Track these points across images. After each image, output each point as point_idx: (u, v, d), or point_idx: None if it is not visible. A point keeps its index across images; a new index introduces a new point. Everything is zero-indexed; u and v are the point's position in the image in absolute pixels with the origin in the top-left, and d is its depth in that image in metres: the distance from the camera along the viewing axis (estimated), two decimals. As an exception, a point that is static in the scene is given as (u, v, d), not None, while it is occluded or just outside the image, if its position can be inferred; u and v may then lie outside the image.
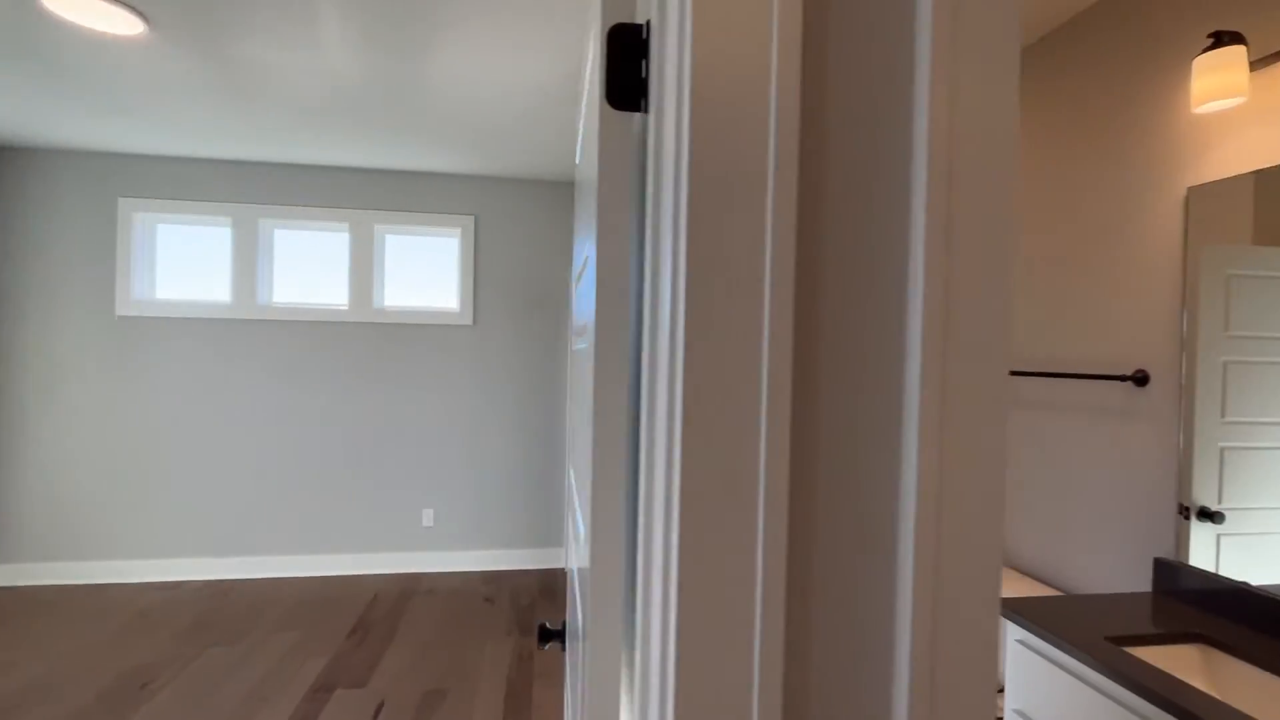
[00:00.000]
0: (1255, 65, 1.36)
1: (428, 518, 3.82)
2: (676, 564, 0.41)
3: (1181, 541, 1.54)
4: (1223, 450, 1.49)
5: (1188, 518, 1.54)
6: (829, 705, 0.45)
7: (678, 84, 0.42)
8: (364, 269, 3.76)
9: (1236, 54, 1.33)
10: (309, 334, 3.71)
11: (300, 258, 3.81)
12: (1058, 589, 1.91)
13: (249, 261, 3.65)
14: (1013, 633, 1.47)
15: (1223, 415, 1.48)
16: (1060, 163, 1.95)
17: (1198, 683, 1.32)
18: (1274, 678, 1.22)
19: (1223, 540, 1.49)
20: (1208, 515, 1.52)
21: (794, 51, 0.41)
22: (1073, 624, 1.38)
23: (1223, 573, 1.44)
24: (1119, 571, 1.71)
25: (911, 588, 0.44)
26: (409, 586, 3.56)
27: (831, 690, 0.46)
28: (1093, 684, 1.25)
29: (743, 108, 0.42)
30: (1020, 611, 1.44)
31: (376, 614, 3.19)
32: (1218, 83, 1.35)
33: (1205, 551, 1.49)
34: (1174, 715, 1.06)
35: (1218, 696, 1.30)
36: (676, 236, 0.42)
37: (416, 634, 2.98)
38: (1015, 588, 1.92)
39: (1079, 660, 1.26)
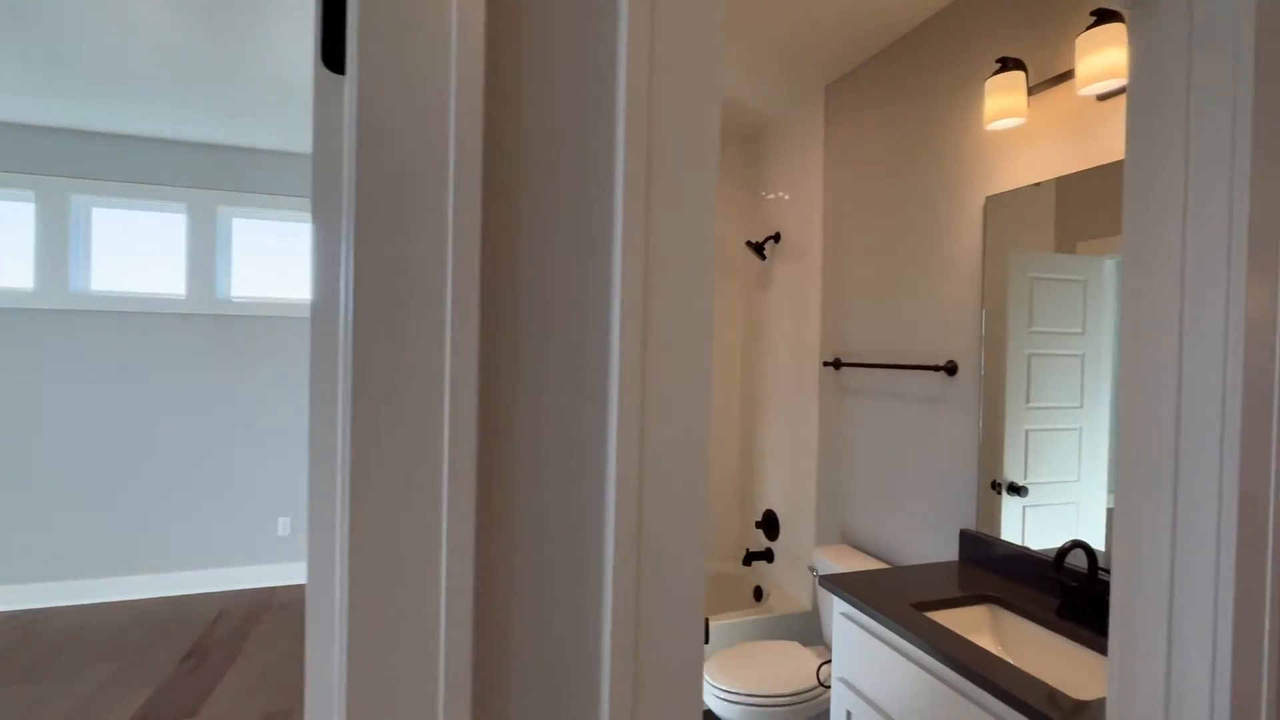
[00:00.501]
0: (1033, 90, 1.54)
1: (283, 526, 3.53)
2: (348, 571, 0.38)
3: (994, 514, 1.72)
4: (1027, 432, 1.67)
5: (999, 493, 1.72)
6: (528, 695, 0.44)
7: (358, 40, 0.39)
8: (204, 255, 3.40)
9: (1017, 79, 1.50)
10: (138, 326, 3.30)
11: (128, 241, 3.37)
12: (888, 562, 2.08)
13: (57, 242, 3.18)
14: (838, 606, 1.58)
15: (1027, 401, 1.66)
16: (885, 175, 2.12)
17: (986, 638, 1.49)
18: (1043, 629, 1.39)
19: (1027, 511, 1.67)
20: (1015, 490, 1.70)
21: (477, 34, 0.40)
22: (887, 594, 1.50)
23: (1027, 539, 1.62)
24: (938, 543, 1.88)
25: (612, 578, 0.44)
26: (260, 602, 3.27)
27: (530, 685, 0.45)
28: (899, 648, 1.37)
29: (419, 77, 0.40)
30: (842, 585, 1.55)
31: (218, 635, 2.90)
32: (1003, 104, 1.51)
33: (1014, 522, 1.68)
34: (958, 669, 1.18)
35: (1000, 648, 1.47)
36: (347, 215, 0.39)
37: (264, 653, 2.74)
38: (852, 562, 2.07)
39: (887, 627, 1.37)
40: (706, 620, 1.11)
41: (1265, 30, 0.67)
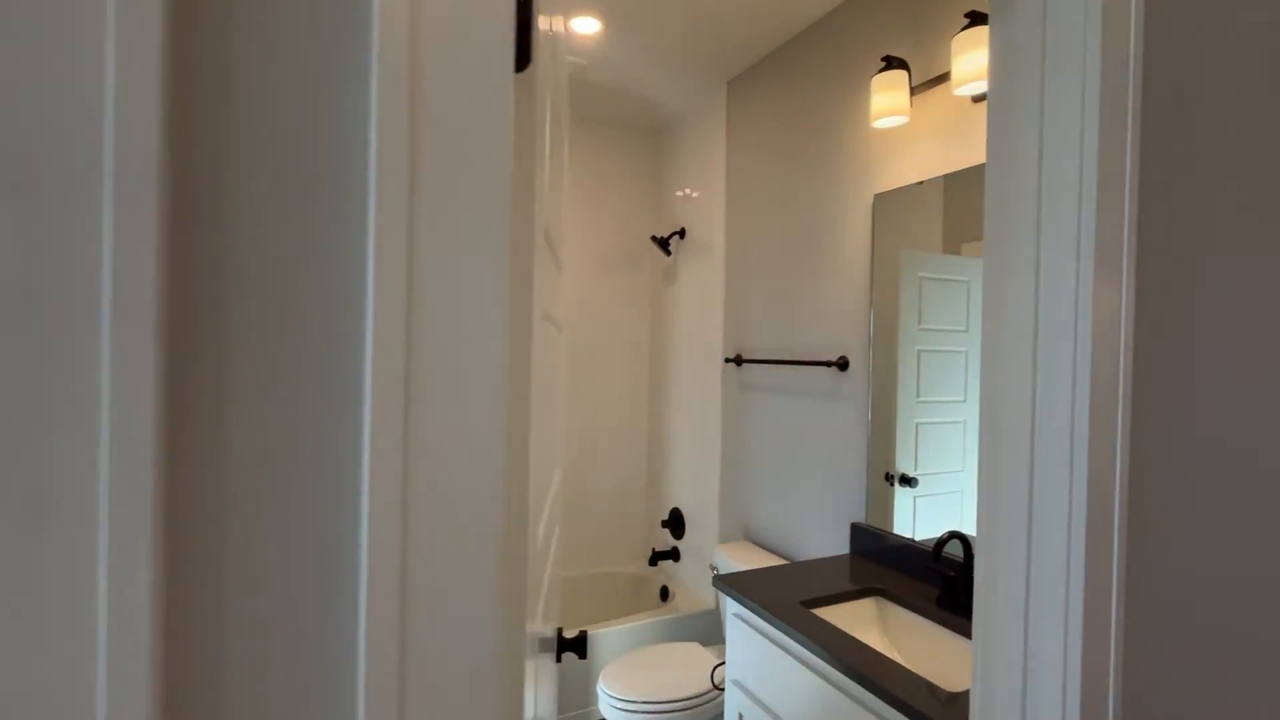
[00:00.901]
0: (915, 89, 1.56)
1: None
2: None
3: (887, 505, 1.74)
4: (917, 425, 1.70)
5: (892, 484, 1.75)
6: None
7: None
8: None
9: (899, 78, 1.52)
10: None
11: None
12: (787, 558, 2.09)
13: None
14: (730, 606, 1.54)
15: (917, 396, 1.69)
16: (783, 172, 2.13)
17: (873, 631, 1.50)
18: (924, 620, 1.41)
19: (918, 501, 1.70)
20: (906, 481, 1.73)
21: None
22: (778, 592, 1.48)
23: (918, 528, 1.65)
24: (833, 538, 1.90)
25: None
26: None
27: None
28: (787, 648, 1.35)
29: None
30: (734, 585, 1.51)
31: None
32: (887, 102, 1.53)
33: (905, 513, 1.70)
34: (841, 667, 1.16)
35: (886, 640, 1.48)
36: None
37: None
38: (753, 560, 2.06)
39: (775, 626, 1.35)
40: (582, 636, 1.03)
41: (1110, 44, 0.67)
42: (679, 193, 2.79)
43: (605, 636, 2.28)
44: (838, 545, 1.88)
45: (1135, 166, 0.69)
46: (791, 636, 1.30)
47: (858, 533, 1.78)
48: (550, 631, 0.99)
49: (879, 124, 1.57)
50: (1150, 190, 0.72)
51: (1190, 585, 0.77)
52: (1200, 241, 0.77)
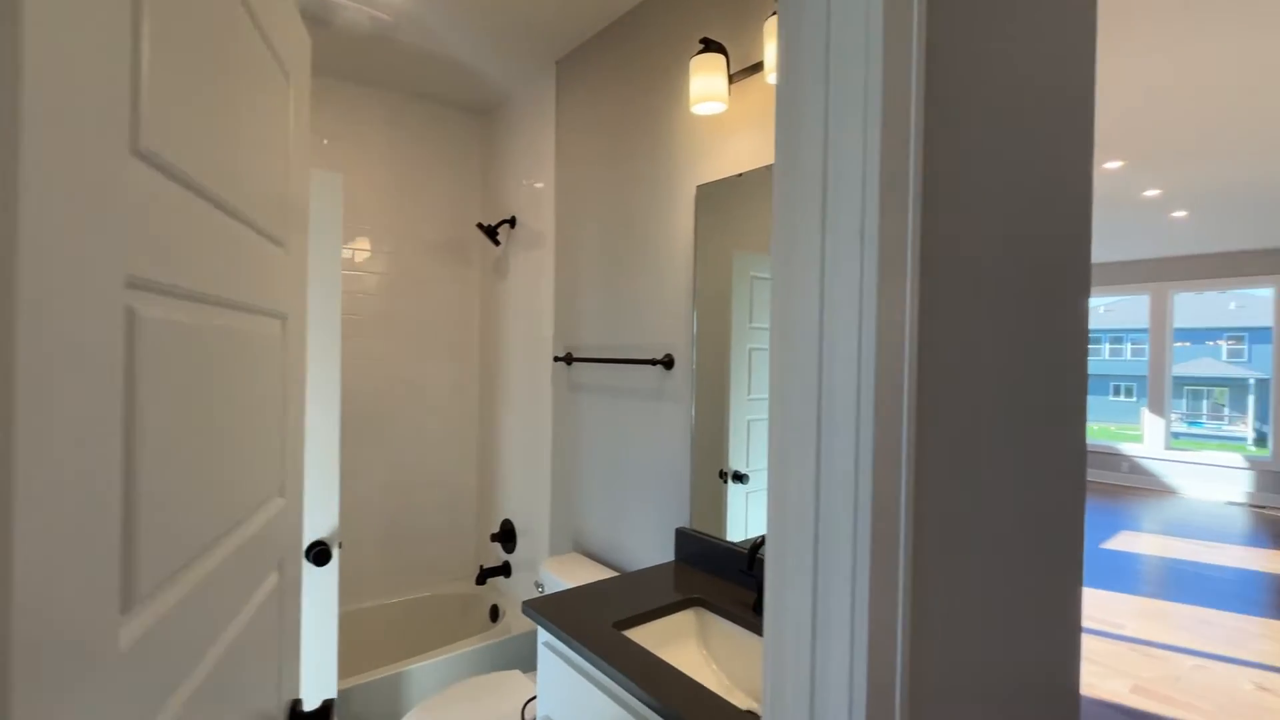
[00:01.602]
0: (734, 77, 1.50)
1: None
2: None
3: (720, 504, 1.67)
4: (749, 423, 1.65)
5: (726, 482, 1.68)
6: None
7: None
8: None
9: (717, 61, 1.44)
10: None
11: None
12: (617, 569, 1.96)
13: None
14: (541, 634, 1.38)
15: (749, 394, 1.63)
16: (611, 159, 2.01)
17: (692, 645, 1.41)
18: (741, 629, 1.34)
19: (750, 498, 1.65)
20: (739, 478, 1.67)
21: None
22: (590, 613, 1.34)
23: (750, 525, 1.59)
24: (662, 544, 1.80)
25: None
26: None
27: None
28: (593, 678, 1.21)
29: None
30: (541, 610, 1.35)
31: None
32: (705, 86, 1.45)
33: (738, 510, 1.64)
34: (643, 697, 1.04)
35: (705, 653, 1.40)
36: None
37: None
38: (582, 574, 1.91)
39: (580, 654, 1.20)
40: (325, 708, 0.80)
41: (891, 40, 0.60)
42: (514, 180, 2.58)
43: (415, 673, 2.02)
44: (667, 552, 1.79)
45: (919, 164, 0.63)
46: (596, 665, 1.16)
47: (682, 538, 1.70)
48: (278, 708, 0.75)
49: (697, 109, 1.49)
50: (933, 187, 0.66)
51: (968, 595, 0.73)
52: (977, 243, 0.73)
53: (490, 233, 2.49)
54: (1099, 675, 2.74)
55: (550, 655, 1.32)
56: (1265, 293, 6.17)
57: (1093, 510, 5.80)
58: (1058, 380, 0.86)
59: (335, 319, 1.63)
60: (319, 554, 1.58)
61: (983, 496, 0.74)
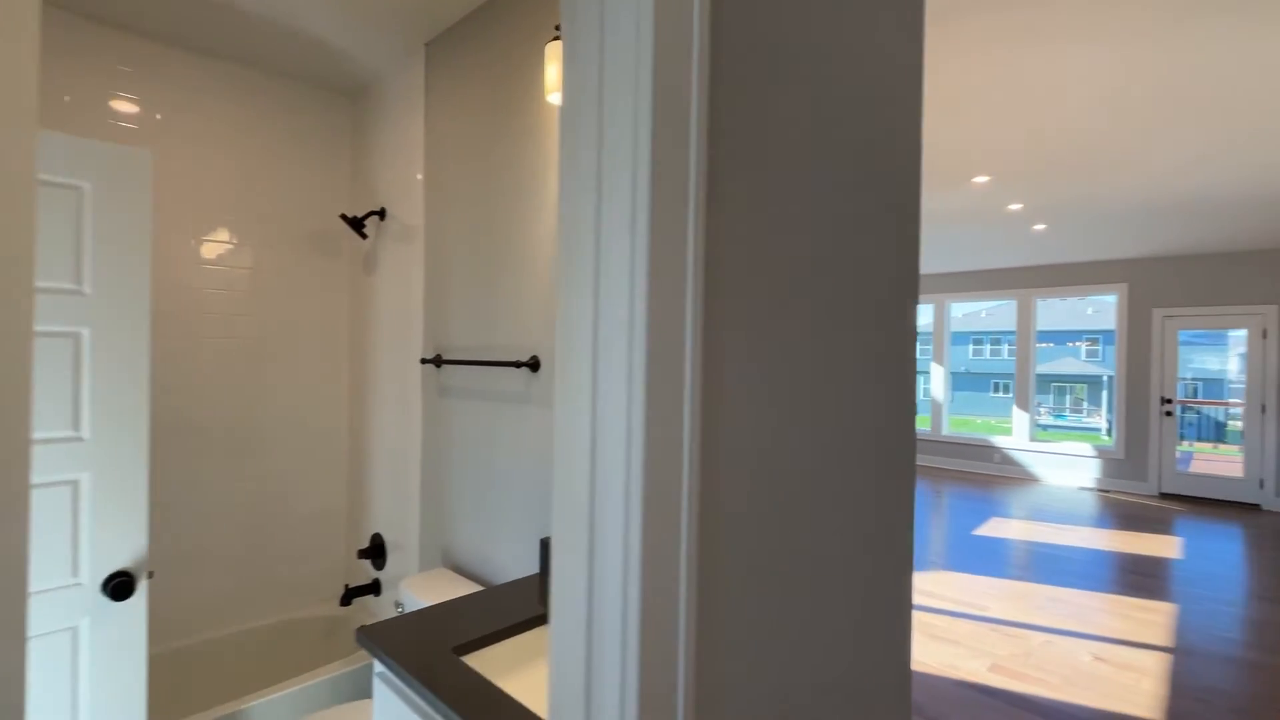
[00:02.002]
0: (592, 67, 1.44)
1: None
2: None
3: None
4: None
5: None
6: None
7: None
8: None
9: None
10: None
11: None
12: (486, 583, 1.86)
13: None
14: (375, 664, 1.26)
15: None
16: (478, 149, 1.90)
17: (540, 667, 1.33)
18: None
19: None
20: None
21: None
22: (432, 637, 1.24)
23: None
24: (530, 555, 1.72)
25: None
26: None
27: None
28: (425, 714, 1.11)
29: None
30: (375, 638, 1.23)
31: None
32: (558, 75, 1.38)
33: None
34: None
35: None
36: None
37: None
38: (448, 589, 1.79)
39: (410, 687, 1.10)
40: None
41: (664, 67, 0.56)
42: (384, 169, 2.41)
43: (259, 710, 1.82)
44: (534, 564, 1.71)
45: (700, 191, 0.59)
46: (425, 699, 1.06)
47: (546, 549, 1.62)
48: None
49: (552, 99, 1.42)
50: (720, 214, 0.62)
51: (775, 599, 0.70)
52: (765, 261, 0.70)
53: (356, 225, 2.31)
54: (961, 657, 2.92)
55: (384, 688, 1.21)
56: (1112, 299, 6.89)
57: (968, 499, 6.26)
58: (875, 374, 0.85)
59: (142, 319, 1.42)
60: (119, 586, 1.37)
61: (786, 490, 0.71)
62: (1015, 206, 5.06)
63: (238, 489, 2.32)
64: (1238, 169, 3.97)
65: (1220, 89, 2.82)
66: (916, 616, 3.37)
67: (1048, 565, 4.26)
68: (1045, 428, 23.29)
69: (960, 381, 26.14)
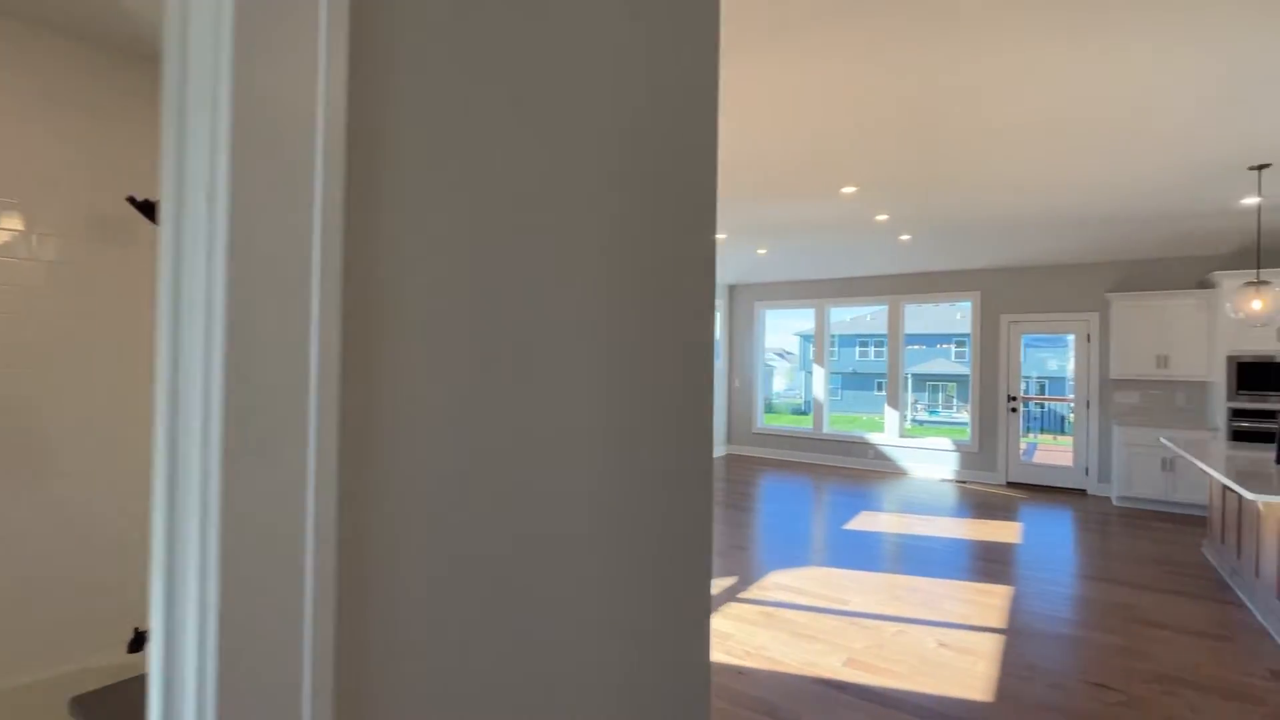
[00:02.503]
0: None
1: None
2: None
3: None
4: None
5: None
6: None
7: None
8: None
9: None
10: None
11: None
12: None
13: None
14: None
15: None
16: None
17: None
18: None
19: None
20: None
21: None
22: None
23: None
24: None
25: None
26: None
27: None
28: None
29: None
30: (91, 710, 1.01)
31: None
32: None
33: None
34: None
35: None
36: None
37: None
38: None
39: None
40: None
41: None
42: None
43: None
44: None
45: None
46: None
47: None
48: None
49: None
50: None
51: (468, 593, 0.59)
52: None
53: (145, 209, 1.99)
54: (820, 653, 3.00)
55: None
56: (968, 305, 7.52)
57: (843, 495, 6.59)
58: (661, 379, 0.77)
59: None
60: None
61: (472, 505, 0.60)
62: (882, 217, 5.38)
63: (16, 516, 1.94)
64: (1064, 190, 4.41)
65: (1041, 117, 3.09)
66: (783, 615, 3.45)
67: (907, 556, 4.53)
68: (921, 423, 25.31)
69: (849, 381, 27.89)
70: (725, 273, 8.32)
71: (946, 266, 7.38)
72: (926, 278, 7.73)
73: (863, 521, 5.49)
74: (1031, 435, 12.17)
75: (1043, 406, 14.35)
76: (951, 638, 3.19)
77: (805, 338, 30.61)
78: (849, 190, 4.60)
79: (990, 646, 3.09)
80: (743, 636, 3.16)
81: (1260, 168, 3.86)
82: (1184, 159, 3.71)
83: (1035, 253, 6.52)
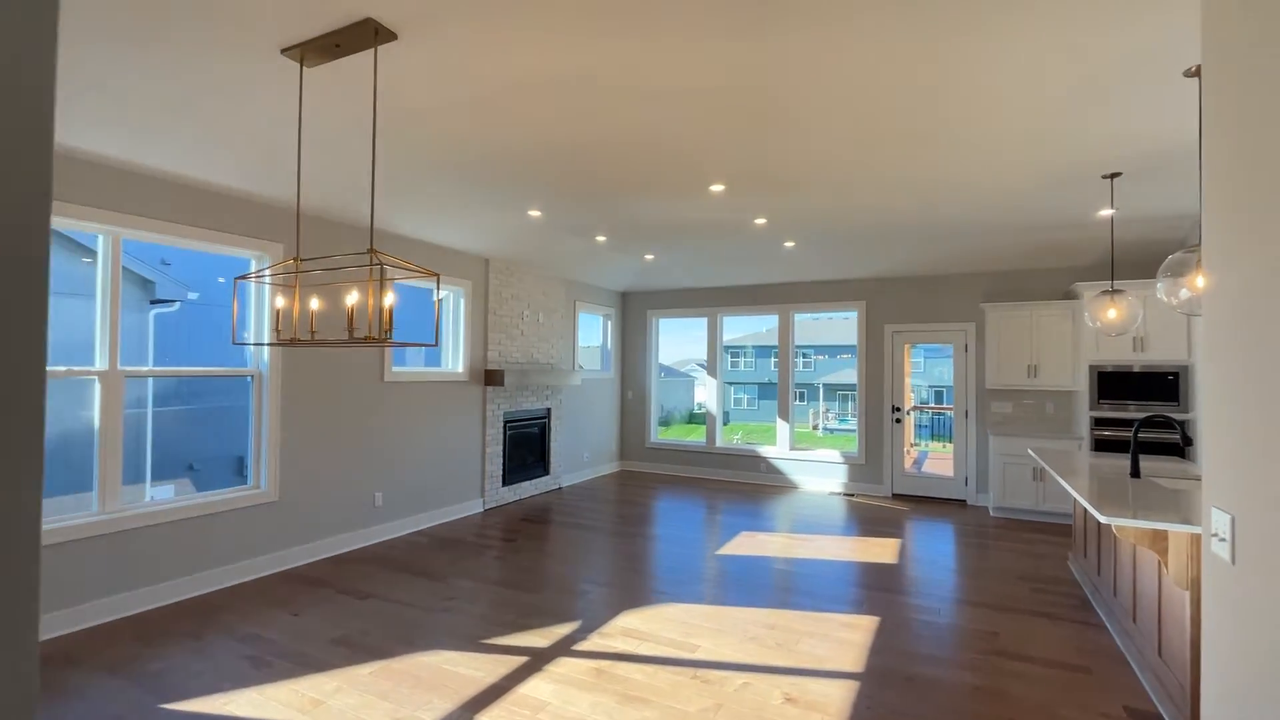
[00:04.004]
0: None
1: None
2: None
3: None
4: None
5: None
6: None
7: None
8: None
9: None
10: None
11: None
12: None
13: None
14: None
15: None
16: None
17: None
18: None
19: None
20: None
21: None
22: None
23: None
24: None
25: None
26: None
27: None
28: None
29: None
30: None
31: None
32: None
33: None
34: None
35: None
36: None
37: None
38: None
39: None
40: None
41: None
42: None
43: None
44: None
45: None
46: None
47: None
48: None
49: None
50: None
51: None
52: None
53: None
54: (642, 725, 2.52)
55: None
56: (853, 315, 7.43)
57: (727, 514, 6.24)
58: None
59: None
60: None
61: None
62: (760, 221, 5.08)
63: None
64: (931, 191, 4.23)
65: (892, 111, 2.79)
66: (618, 671, 2.96)
67: (776, 585, 4.17)
68: (832, 430, 25.98)
69: (767, 391, 28.25)
70: (615, 278, 7.88)
71: (833, 275, 7.25)
72: (814, 287, 7.60)
73: (740, 545, 5.12)
74: (923, 444, 12.48)
75: (934, 415, 14.83)
76: (801, 688, 2.80)
77: (727, 348, 30.92)
78: (717, 189, 4.24)
79: (840, 697, 2.72)
80: (558, 706, 2.63)
81: (1112, 176, 3.79)
82: (1039, 162, 3.57)
83: (915, 263, 6.46)
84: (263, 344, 2.35)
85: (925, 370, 24.84)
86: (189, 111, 2.86)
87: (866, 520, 5.99)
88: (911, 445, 9.12)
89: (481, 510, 6.21)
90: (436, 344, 2.46)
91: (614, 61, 2.42)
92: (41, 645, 3.14)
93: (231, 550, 4.10)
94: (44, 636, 3.23)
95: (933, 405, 20.28)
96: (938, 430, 13.73)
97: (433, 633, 3.37)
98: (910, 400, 8.51)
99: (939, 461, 9.10)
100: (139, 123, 2.97)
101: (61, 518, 3.38)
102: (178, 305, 8.17)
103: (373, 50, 2.32)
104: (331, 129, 3.09)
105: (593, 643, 3.26)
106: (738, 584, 4.17)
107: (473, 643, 3.24)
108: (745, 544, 5.14)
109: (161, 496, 7.16)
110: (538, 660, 3.05)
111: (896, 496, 7.07)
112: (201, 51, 2.33)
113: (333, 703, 2.66)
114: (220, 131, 3.09)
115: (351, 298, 2.42)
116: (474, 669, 2.96)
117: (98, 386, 3.52)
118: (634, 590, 4.04)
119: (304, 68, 2.51)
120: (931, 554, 4.90)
